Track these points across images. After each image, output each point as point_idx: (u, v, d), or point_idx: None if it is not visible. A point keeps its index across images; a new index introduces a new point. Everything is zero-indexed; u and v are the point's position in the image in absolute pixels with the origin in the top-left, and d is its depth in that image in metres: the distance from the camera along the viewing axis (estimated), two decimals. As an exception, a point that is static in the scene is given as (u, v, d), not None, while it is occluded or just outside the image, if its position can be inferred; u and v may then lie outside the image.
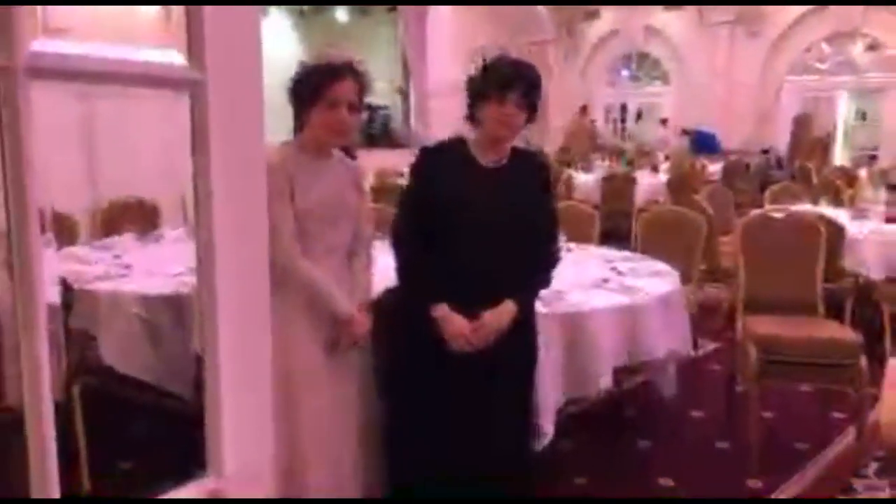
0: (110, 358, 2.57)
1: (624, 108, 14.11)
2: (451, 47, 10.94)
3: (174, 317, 2.58)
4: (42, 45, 0.67)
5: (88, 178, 4.62)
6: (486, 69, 1.99)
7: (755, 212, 3.72)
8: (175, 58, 0.85)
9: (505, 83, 1.91)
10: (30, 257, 0.63)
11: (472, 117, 2.01)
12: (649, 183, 7.95)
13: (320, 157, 1.99)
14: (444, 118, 10.59)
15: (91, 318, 2.59)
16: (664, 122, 12.45)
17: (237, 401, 0.88)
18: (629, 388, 3.42)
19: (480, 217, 1.94)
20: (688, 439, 3.18)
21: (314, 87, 1.91)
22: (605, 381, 2.46)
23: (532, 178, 2.06)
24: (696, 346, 3.55)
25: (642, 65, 13.93)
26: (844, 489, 2.71)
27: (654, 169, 9.07)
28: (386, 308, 2.05)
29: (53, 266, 2.65)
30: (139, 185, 4.39)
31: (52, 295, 2.20)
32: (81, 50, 0.77)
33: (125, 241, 3.63)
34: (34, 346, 0.63)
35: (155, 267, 2.98)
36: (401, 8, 10.99)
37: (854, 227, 4.35)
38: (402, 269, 2.00)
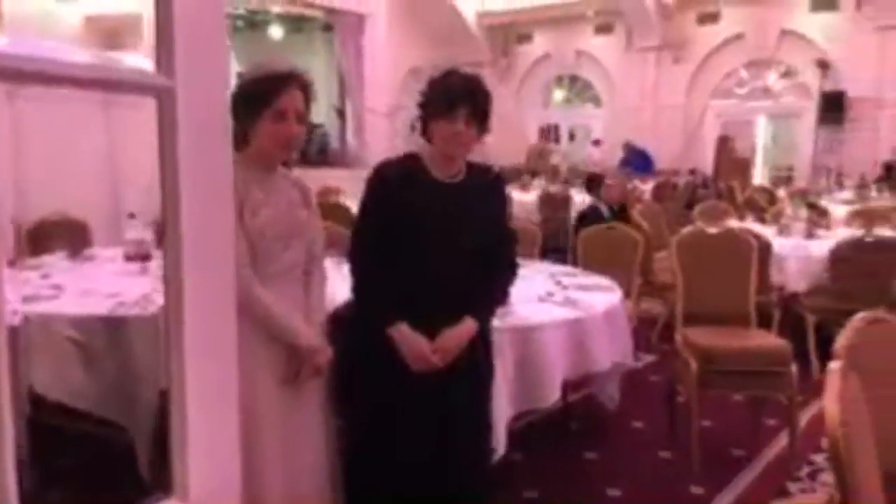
0: (41, 384, 2.43)
1: (557, 128, 14.46)
2: (387, 67, 10.97)
3: (110, 339, 2.46)
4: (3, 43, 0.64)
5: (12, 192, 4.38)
6: (434, 85, 1.96)
7: (689, 227, 3.86)
8: (142, 63, 0.83)
9: (453, 99, 1.89)
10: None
11: (424, 133, 1.98)
12: (584, 200, 8.15)
13: (267, 173, 1.89)
14: (381, 137, 10.63)
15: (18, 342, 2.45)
16: (596, 142, 12.81)
17: (203, 421, 0.85)
18: (574, 400, 3.48)
19: (439, 232, 1.92)
20: (632, 449, 3.24)
21: (260, 97, 1.80)
22: (555, 395, 2.49)
23: (489, 192, 2.05)
24: (635, 358, 3.64)
25: (574, 87, 14.34)
26: (780, 492, 2.82)
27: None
28: (342, 324, 2.00)
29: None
30: (66, 202, 4.19)
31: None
32: (40, 51, 0.73)
33: (54, 261, 3.46)
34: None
35: (88, 287, 2.85)
36: (337, 26, 10.97)
37: (778, 243, 4.58)
38: (360, 287, 1.95)
